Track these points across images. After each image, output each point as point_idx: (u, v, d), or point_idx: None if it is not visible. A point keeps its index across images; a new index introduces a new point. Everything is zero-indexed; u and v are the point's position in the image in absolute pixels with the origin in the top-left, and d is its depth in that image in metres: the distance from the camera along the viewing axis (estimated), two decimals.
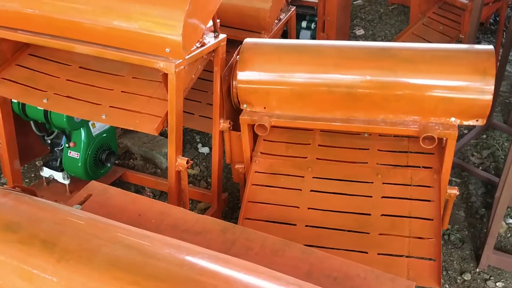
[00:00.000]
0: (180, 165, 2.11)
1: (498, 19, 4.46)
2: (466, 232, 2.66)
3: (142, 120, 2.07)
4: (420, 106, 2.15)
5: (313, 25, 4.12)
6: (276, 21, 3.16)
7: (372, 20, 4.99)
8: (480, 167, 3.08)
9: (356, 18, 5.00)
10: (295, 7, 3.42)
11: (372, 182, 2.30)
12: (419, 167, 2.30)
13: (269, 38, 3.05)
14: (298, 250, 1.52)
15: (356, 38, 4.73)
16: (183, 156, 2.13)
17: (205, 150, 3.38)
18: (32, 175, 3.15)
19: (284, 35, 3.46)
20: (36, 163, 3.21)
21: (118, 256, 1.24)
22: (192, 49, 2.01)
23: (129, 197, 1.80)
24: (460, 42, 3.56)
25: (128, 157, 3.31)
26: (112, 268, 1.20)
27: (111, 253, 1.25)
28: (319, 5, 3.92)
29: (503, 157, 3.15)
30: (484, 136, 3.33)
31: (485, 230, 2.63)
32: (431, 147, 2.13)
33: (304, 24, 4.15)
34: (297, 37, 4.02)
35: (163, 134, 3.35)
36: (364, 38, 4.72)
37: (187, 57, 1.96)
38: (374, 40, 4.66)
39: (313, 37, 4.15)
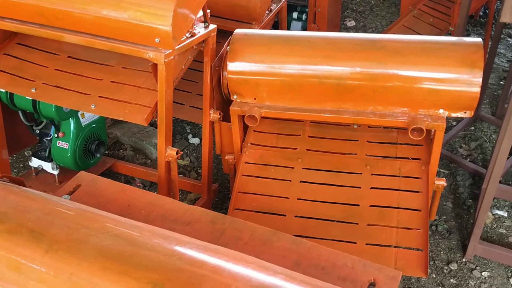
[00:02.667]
0: (169, 155, 2.11)
1: (487, 11, 4.49)
2: (454, 222, 2.69)
3: (132, 110, 2.07)
4: (409, 98, 2.17)
5: (304, 16, 4.12)
6: (267, 12, 3.14)
7: (363, 11, 5.00)
8: (468, 159, 3.12)
9: (347, 10, 5.00)
10: None
11: (361, 173, 2.32)
12: (408, 158, 2.32)
13: (260, 29, 3.05)
14: (287, 240, 1.53)
15: (347, 29, 4.74)
16: (173, 146, 2.13)
17: (195, 140, 3.38)
18: (21, 165, 3.13)
19: (275, 26, 3.46)
20: (25, 153, 3.19)
21: (107, 246, 1.24)
22: (182, 39, 2.00)
23: (118, 188, 1.79)
24: (450, 34, 3.58)
25: (117, 147, 3.30)
26: (101, 258, 1.20)
27: (99, 243, 1.25)
28: None
29: (490, 148, 3.18)
30: (472, 128, 3.37)
31: (472, 221, 2.66)
32: (419, 138, 2.14)
33: (295, 15, 4.15)
34: (288, 28, 4.01)
35: (153, 124, 3.34)
36: (355, 29, 4.73)
37: (176, 47, 1.95)
38: (365, 31, 4.67)
39: (304, 28, 4.15)
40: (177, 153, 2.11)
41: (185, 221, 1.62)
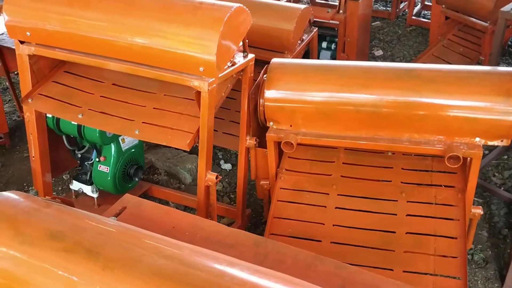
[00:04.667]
0: (209, 180, 2.17)
1: None
2: (490, 252, 2.66)
3: (174, 135, 2.14)
4: (444, 126, 2.19)
5: (333, 46, 4.20)
6: (299, 42, 3.23)
7: (390, 41, 5.06)
8: (502, 188, 3.09)
9: (375, 39, 5.07)
10: (317, 28, 3.50)
11: (396, 200, 2.33)
12: (442, 186, 2.33)
13: (292, 57, 3.13)
14: (330, 265, 1.56)
15: (374, 58, 4.80)
16: None
17: (227, 166, 3.44)
18: (59, 188, 3.23)
19: (306, 55, 3.54)
20: (63, 176, 3.29)
21: (161, 265, 1.29)
22: (224, 68, 2.08)
23: (162, 210, 1.85)
24: (480, 63, 3.60)
25: (152, 172, 3.37)
26: (155, 277, 1.25)
27: (153, 262, 1.30)
28: (340, 26, 3.99)
29: None
30: (505, 157, 3.35)
31: (508, 251, 2.63)
32: (456, 166, 2.16)
33: (324, 44, 4.22)
34: (318, 58, 4.09)
35: (185, 150, 3.42)
36: (383, 58, 4.79)
37: (219, 75, 2.03)
38: (393, 61, 4.72)
39: (333, 57, 4.22)
40: (216, 178, 2.17)
41: (229, 243, 1.66)
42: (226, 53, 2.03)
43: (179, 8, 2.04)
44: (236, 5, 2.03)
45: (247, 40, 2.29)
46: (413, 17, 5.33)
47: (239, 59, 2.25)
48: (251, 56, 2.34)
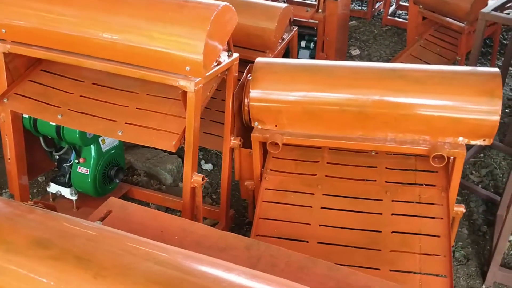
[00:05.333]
0: (195, 181, 2.13)
1: (488, 42, 4.61)
2: (470, 249, 2.71)
3: (159, 136, 2.09)
4: (429, 126, 2.21)
5: (312, 45, 4.20)
6: (279, 41, 3.22)
7: (367, 40, 5.11)
8: (480, 185, 3.16)
9: (351, 39, 5.11)
10: (297, 27, 3.50)
11: (381, 200, 2.34)
12: (426, 185, 2.35)
13: (273, 57, 3.11)
14: (323, 267, 1.54)
15: (352, 58, 4.83)
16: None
17: (208, 166, 3.39)
18: (35, 190, 3.12)
19: (286, 54, 3.52)
20: (38, 179, 3.18)
21: (155, 272, 1.25)
22: (210, 67, 2.04)
23: (149, 214, 1.80)
24: (456, 63, 3.67)
25: (131, 173, 3.30)
26: (150, 284, 1.21)
27: (147, 269, 1.26)
28: (319, 25, 4.00)
29: (501, 175, 3.23)
30: (482, 155, 3.42)
31: (488, 247, 2.68)
32: (440, 165, 2.18)
33: (303, 43, 4.22)
34: (297, 57, 4.08)
35: (165, 150, 3.35)
36: (360, 58, 4.83)
37: (206, 75, 1.99)
38: (370, 60, 4.77)
39: (311, 56, 4.22)
40: (202, 179, 2.13)
41: (220, 247, 1.62)
42: (212, 52, 2.00)
43: (164, 5, 1.99)
44: (222, 3, 2.00)
45: (231, 39, 2.26)
46: (389, 17, 5.39)
47: (224, 58, 2.22)
48: (235, 55, 2.31)
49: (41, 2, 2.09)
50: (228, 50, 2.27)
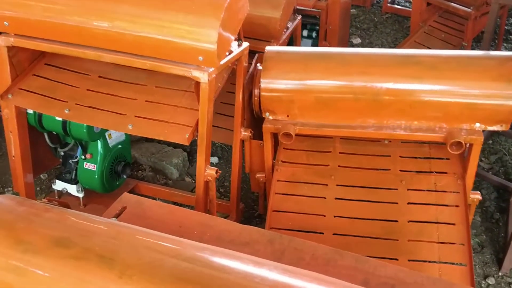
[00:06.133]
0: (209, 175, 2.08)
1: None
2: (484, 236, 2.69)
3: (171, 129, 2.03)
4: (445, 112, 2.17)
5: (314, 34, 4.14)
6: (284, 30, 3.16)
7: (367, 29, 5.05)
8: (490, 172, 3.13)
9: (352, 27, 5.04)
10: (301, 16, 3.44)
11: (396, 189, 2.30)
12: (441, 172, 2.32)
13: (279, 45, 3.06)
14: (351, 259, 1.50)
15: (353, 46, 4.77)
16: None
17: (213, 160, 3.34)
18: (38, 188, 3.05)
19: (289, 43, 3.47)
20: (41, 176, 3.11)
21: (184, 269, 1.20)
22: (224, 57, 1.99)
23: (165, 209, 1.75)
24: (463, 49, 3.63)
25: (136, 168, 3.24)
26: (180, 282, 1.16)
27: (174, 266, 1.21)
28: (322, 14, 3.94)
29: (511, 161, 3.20)
30: (490, 141, 3.39)
31: (502, 234, 2.66)
32: (458, 152, 2.14)
33: (305, 33, 4.16)
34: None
35: (170, 144, 3.30)
36: (362, 46, 4.77)
37: (219, 64, 1.93)
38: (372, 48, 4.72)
39: (314, 45, 4.16)
40: (216, 172, 2.08)
41: (243, 241, 1.58)
42: (226, 41, 1.94)
43: None
44: None
45: (241, 28, 2.20)
46: (388, 5, 5.33)
47: (234, 47, 2.16)
48: (245, 44, 2.25)
49: None
50: (238, 39, 2.21)
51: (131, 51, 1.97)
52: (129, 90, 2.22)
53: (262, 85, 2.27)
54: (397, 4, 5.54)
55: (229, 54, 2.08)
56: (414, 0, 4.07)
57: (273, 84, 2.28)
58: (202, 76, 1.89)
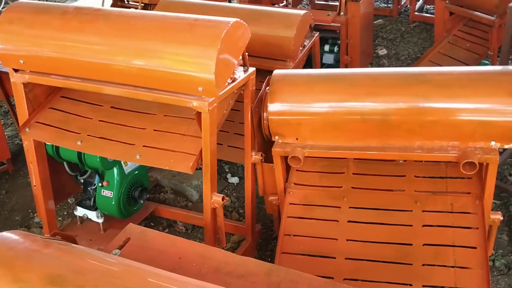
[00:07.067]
0: (215, 202, 2.09)
1: None
2: (511, 257, 2.56)
3: (177, 158, 2.07)
4: (457, 131, 2.10)
5: (335, 48, 4.11)
6: (300, 48, 3.15)
7: (394, 39, 4.96)
8: None
9: (378, 38, 4.97)
10: (318, 33, 3.42)
11: (411, 211, 2.24)
12: (458, 193, 2.23)
13: (294, 65, 3.05)
14: None
15: (379, 58, 4.70)
16: None
17: (234, 180, 3.36)
18: (65, 212, 3.16)
19: (308, 60, 3.45)
20: (69, 200, 3.23)
21: None
22: (224, 86, 2.00)
23: (168, 240, 1.78)
24: (488, 59, 3.50)
25: (158, 190, 3.30)
26: None
27: None
28: (342, 28, 3.91)
29: None
30: None
31: None
32: (472, 173, 2.06)
33: (326, 47, 4.14)
34: (321, 61, 4.01)
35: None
36: (387, 57, 4.69)
37: (219, 94, 1.95)
38: (398, 59, 4.62)
39: (336, 60, 4.14)
40: (222, 199, 2.09)
41: (239, 274, 1.58)
42: (225, 70, 1.95)
43: (174, 26, 1.97)
44: (233, 19, 1.95)
45: (246, 54, 2.21)
46: (416, 13, 5.22)
47: (240, 74, 2.18)
48: (251, 69, 2.26)
49: (54, 31, 2.10)
50: (244, 65, 2.22)
51: (136, 84, 2.03)
52: (139, 120, 2.27)
53: (270, 108, 2.27)
54: (426, 12, 5.42)
55: (233, 81, 2.09)
56: (436, 9, 3.98)
57: (280, 107, 2.27)
58: (203, 106, 1.91)
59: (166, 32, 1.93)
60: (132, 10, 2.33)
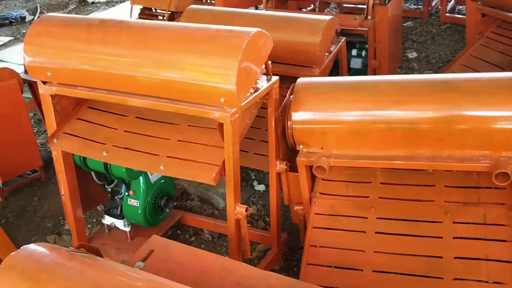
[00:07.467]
0: (239, 213, 2.07)
1: None
2: None
3: (200, 169, 2.06)
4: (489, 140, 2.02)
5: (363, 53, 4.04)
6: (326, 54, 3.11)
7: (424, 41, 4.85)
8: None
9: (408, 41, 4.87)
10: (345, 38, 3.37)
11: (441, 222, 2.17)
12: (491, 204, 2.15)
13: (320, 71, 3.01)
14: None
15: (408, 61, 4.60)
16: None
17: (261, 187, 3.34)
18: (94, 220, 3.21)
19: (335, 65, 3.41)
20: (98, 208, 3.27)
21: None
22: (246, 96, 1.99)
23: (191, 253, 1.78)
24: None
25: (185, 198, 3.32)
26: None
27: None
28: (369, 32, 3.84)
29: None
30: None
31: None
32: (505, 184, 1.98)
33: (354, 52, 4.08)
34: (348, 66, 3.95)
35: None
36: (417, 60, 4.58)
37: (241, 104, 1.94)
38: (428, 62, 4.51)
39: (364, 64, 4.07)
40: (246, 210, 2.07)
41: None
42: (247, 80, 1.94)
43: (196, 37, 1.96)
44: (254, 29, 1.93)
45: (270, 62, 2.19)
46: (447, 14, 5.09)
47: (263, 83, 2.15)
48: (275, 78, 2.24)
49: (80, 44, 2.13)
50: (267, 74, 2.20)
51: (159, 95, 2.04)
52: (163, 130, 2.28)
53: (294, 117, 2.25)
54: (458, 13, 5.28)
55: (255, 91, 2.07)
56: (468, 11, 3.86)
57: (304, 116, 2.24)
58: (225, 117, 1.90)
59: (188, 43, 1.93)
60: (155, 21, 2.34)
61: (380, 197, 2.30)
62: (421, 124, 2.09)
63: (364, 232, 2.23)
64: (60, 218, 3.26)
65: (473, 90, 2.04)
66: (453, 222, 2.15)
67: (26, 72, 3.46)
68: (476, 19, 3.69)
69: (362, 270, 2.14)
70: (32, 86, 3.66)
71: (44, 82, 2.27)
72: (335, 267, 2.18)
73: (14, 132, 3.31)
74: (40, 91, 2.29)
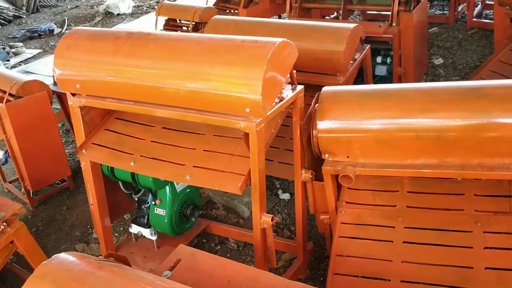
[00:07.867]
0: (265, 222, 2.07)
1: None
2: None
3: (225, 179, 2.07)
4: None
5: (388, 60, 4.01)
6: (351, 62, 3.09)
7: (450, 47, 4.78)
8: None
9: (433, 47, 4.80)
10: (369, 45, 3.35)
11: (471, 231, 2.12)
12: None
13: (345, 79, 3.00)
14: None
15: (434, 68, 4.53)
16: None
17: (286, 196, 3.33)
18: (121, 228, 3.26)
19: (360, 72, 3.39)
20: (125, 216, 3.32)
21: None
22: (271, 106, 1.99)
23: (218, 262, 1.78)
24: None
25: (210, 207, 3.33)
26: None
27: None
28: (394, 39, 3.81)
29: None
30: None
31: None
32: None
33: (379, 59, 4.05)
34: (373, 73, 3.92)
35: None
36: (444, 67, 4.51)
37: (267, 114, 1.94)
38: (455, 68, 4.44)
39: (389, 71, 4.04)
40: (272, 220, 2.07)
41: None
42: (272, 90, 1.94)
43: (221, 48, 1.98)
44: (279, 39, 1.94)
45: (294, 71, 2.20)
46: (474, 19, 5.01)
47: (288, 93, 2.16)
48: (300, 87, 2.24)
49: (108, 56, 2.18)
50: (292, 83, 2.20)
51: (185, 106, 2.06)
52: (189, 140, 2.30)
53: (319, 126, 2.24)
54: (485, 18, 5.19)
55: (280, 100, 2.08)
56: (496, 16, 3.79)
57: (329, 125, 2.23)
58: (250, 127, 1.91)
59: (213, 54, 1.95)
60: (180, 33, 2.38)
61: (407, 206, 2.27)
62: (449, 132, 2.05)
63: (392, 241, 2.20)
64: (88, 226, 3.31)
65: (503, 96, 2.00)
66: (484, 232, 2.10)
67: (55, 83, 3.56)
68: (505, 24, 3.62)
69: (389, 280, 2.10)
70: (61, 98, 3.75)
71: (73, 94, 2.33)
72: (362, 277, 2.15)
73: (44, 143, 3.40)
74: (70, 103, 2.35)
